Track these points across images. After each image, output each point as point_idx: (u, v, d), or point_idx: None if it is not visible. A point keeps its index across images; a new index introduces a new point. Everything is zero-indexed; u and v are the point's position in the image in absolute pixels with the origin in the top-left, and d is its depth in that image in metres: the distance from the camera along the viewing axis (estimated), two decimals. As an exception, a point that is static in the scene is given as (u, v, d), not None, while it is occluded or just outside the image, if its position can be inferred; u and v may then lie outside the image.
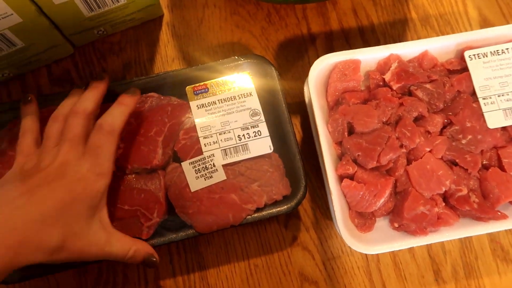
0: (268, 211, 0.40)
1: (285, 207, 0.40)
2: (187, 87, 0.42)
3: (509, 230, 0.47)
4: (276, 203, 0.40)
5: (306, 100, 0.45)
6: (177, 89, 0.43)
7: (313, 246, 0.46)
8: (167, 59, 0.51)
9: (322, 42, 0.52)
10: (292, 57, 0.51)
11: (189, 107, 0.42)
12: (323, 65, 0.42)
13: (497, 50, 0.43)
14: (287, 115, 0.42)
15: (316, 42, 0.52)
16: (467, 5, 0.54)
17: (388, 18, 0.53)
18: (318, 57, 0.43)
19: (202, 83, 0.42)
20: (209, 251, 0.46)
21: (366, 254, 0.46)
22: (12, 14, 0.40)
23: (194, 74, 0.43)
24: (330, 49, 0.52)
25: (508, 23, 0.53)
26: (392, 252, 0.46)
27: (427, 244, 0.46)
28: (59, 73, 0.51)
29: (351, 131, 0.42)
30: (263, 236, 0.47)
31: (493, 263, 0.46)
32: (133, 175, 0.40)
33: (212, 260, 0.46)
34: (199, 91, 0.42)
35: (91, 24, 0.48)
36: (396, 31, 0.52)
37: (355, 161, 0.41)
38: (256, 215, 0.40)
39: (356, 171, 0.40)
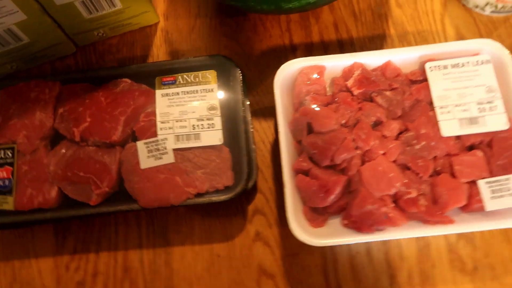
0: (207, 198, 0.44)
1: (224, 196, 0.44)
2: (157, 77, 0.47)
3: (470, 242, 0.47)
4: (217, 192, 0.44)
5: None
6: (151, 79, 0.48)
7: (274, 242, 0.48)
8: (158, 59, 0.56)
9: (302, 53, 0.55)
10: (273, 65, 0.55)
11: (155, 95, 0.46)
12: (290, 68, 0.45)
13: (457, 63, 0.45)
14: (242, 113, 0.45)
15: (296, 52, 0.55)
16: (445, 24, 0.56)
17: (368, 33, 0.56)
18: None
19: (171, 76, 0.47)
20: (177, 239, 0.49)
21: (325, 253, 0.48)
22: (17, 11, 0.46)
23: (167, 68, 0.48)
24: (309, 59, 0.55)
25: (485, 43, 0.55)
26: (350, 254, 0.47)
27: (385, 249, 0.47)
28: (61, 70, 0.56)
29: (310, 131, 0.44)
30: (228, 229, 0.49)
31: (450, 273, 0.46)
32: (94, 147, 0.45)
33: (178, 248, 0.49)
34: (167, 82, 0.46)
35: (91, 26, 0.54)
36: (374, 46, 0.55)
37: (311, 159, 0.43)
38: (196, 199, 0.43)
39: (311, 168, 0.43)
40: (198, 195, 0.44)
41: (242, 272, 0.48)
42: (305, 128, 0.43)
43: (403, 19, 0.56)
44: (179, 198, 0.44)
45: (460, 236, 0.48)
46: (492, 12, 0.55)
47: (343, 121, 0.44)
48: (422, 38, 0.55)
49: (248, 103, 0.51)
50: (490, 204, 0.41)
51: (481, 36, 0.55)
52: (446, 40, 0.55)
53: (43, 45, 0.53)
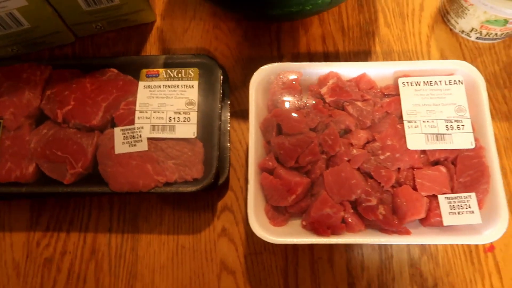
0: (175, 188, 0.45)
1: (191, 188, 0.45)
2: (142, 70, 0.49)
3: (432, 259, 0.47)
4: (186, 183, 0.45)
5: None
6: (138, 71, 0.50)
7: (239, 239, 0.49)
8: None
9: (288, 61, 0.57)
10: (258, 70, 0.57)
11: (138, 85, 0.48)
12: (268, 71, 0.47)
13: (430, 81, 0.46)
14: (218, 111, 0.47)
15: (282, 60, 0.57)
16: (430, 46, 0.57)
17: (354, 48, 0.57)
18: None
19: (156, 69, 0.49)
20: (145, 227, 0.50)
21: (287, 255, 0.48)
22: (19, -4, 0.49)
23: (154, 62, 0.50)
24: (294, 68, 0.56)
25: (468, 67, 0.56)
26: (312, 258, 0.48)
27: (347, 257, 0.48)
28: (59, 57, 0.59)
29: (280, 132, 0.45)
30: (196, 222, 0.50)
31: (409, 287, 0.47)
32: (75, 130, 0.47)
33: (145, 236, 0.50)
34: (151, 75, 0.49)
35: (89, 18, 0.56)
36: (358, 60, 0.57)
37: (277, 159, 0.44)
38: (164, 188, 0.45)
39: (276, 168, 0.44)
40: (167, 184, 0.46)
41: (204, 265, 0.48)
42: (274, 129, 0.45)
43: (390, 38, 0.58)
44: (148, 185, 0.45)
45: (423, 252, 0.48)
46: (478, 38, 0.56)
47: (313, 126, 0.45)
48: (406, 57, 0.57)
49: (229, 102, 0.53)
50: (447, 219, 0.42)
51: (465, 60, 0.56)
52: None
53: (43, 32, 0.56)
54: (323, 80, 0.47)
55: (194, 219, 0.50)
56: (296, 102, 0.46)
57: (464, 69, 0.46)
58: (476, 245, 0.48)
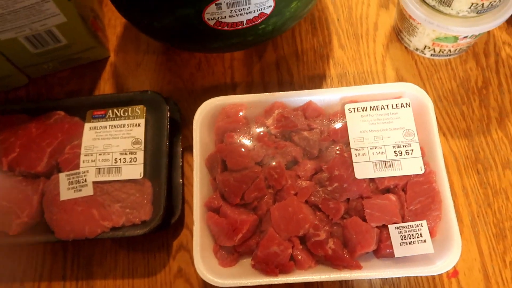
0: (122, 232, 0.44)
1: (139, 231, 0.44)
2: (89, 111, 0.48)
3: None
4: (133, 226, 0.44)
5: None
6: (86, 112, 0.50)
7: (195, 279, 0.48)
8: (104, 92, 0.57)
9: (242, 90, 0.56)
10: (212, 101, 0.56)
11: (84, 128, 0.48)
12: (211, 106, 0.46)
13: (376, 106, 0.45)
14: (166, 148, 0.46)
15: (236, 89, 0.56)
16: (386, 65, 0.56)
17: (308, 72, 0.57)
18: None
19: (102, 110, 0.48)
20: (99, 272, 0.49)
21: (245, 294, 0.47)
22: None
23: (101, 102, 0.50)
24: (248, 96, 0.55)
25: (425, 85, 0.55)
26: (271, 295, 0.46)
27: (306, 292, 0.46)
28: (13, 100, 0.58)
29: (226, 168, 0.44)
30: (151, 264, 0.49)
31: (372, 320, 0.45)
32: (21, 177, 0.46)
33: (100, 281, 0.49)
34: (97, 116, 0.48)
35: (40, 60, 0.56)
36: (313, 85, 0.56)
37: (223, 197, 0.43)
38: (111, 233, 0.43)
39: (221, 206, 0.42)
40: (114, 228, 0.44)
41: (160, 309, 0.47)
42: (219, 165, 0.44)
43: (344, 60, 0.57)
44: (94, 231, 0.44)
45: (385, 282, 0.46)
46: (432, 55, 0.55)
47: (258, 160, 0.44)
48: (361, 79, 0.56)
49: (180, 137, 0.52)
50: (399, 250, 0.40)
51: (421, 78, 0.55)
52: (385, 81, 0.55)
53: (-7, 77, 0.55)
54: (268, 111, 0.46)
55: (149, 261, 0.49)
56: (241, 136, 0.45)
57: (411, 91, 0.45)
58: (439, 272, 0.46)
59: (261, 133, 0.45)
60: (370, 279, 0.46)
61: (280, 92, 0.46)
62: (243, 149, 0.44)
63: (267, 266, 0.40)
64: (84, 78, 0.59)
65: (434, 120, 0.44)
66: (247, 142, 0.45)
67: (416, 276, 0.46)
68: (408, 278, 0.46)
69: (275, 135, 0.45)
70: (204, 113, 0.46)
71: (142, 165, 0.46)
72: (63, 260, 0.50)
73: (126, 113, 0.48)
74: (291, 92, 0.46)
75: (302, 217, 0.41)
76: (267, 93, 0.46)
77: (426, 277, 0.46)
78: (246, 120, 0.46)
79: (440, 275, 0.46)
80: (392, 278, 0.46)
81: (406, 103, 0.45)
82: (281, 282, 0.40)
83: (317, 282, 0.46)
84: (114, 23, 0.62)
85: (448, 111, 0.53)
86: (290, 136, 0.45)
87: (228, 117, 0.45)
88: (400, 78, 0.55)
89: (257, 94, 0.47)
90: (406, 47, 0.57)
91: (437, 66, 0.56)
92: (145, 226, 0.44)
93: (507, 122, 0.53)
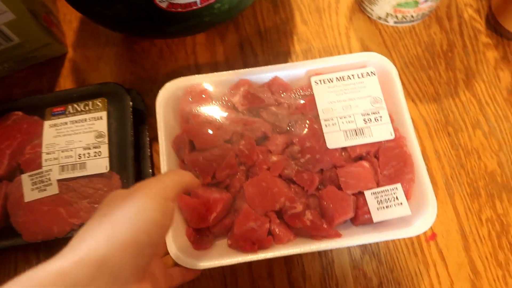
0: None
1: None
2: (47, 108, 0.46)
3: (374, 257, 0.46)
4: None
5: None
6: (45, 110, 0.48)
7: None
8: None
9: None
10: (178, 88, 0.54)
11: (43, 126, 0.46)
12: (174, 88, 0.45)
13: (342, 76, 0.44)
14: (130, 139, 0.44)
15: (201, 73, 0.55)
16: (350, 37, 0.56)
17: (273, 51, 0.56)
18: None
19: (62, 106, 0.46)
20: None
21: (225, 278, 0.46)
22: None
23: (60, 98, 0.48)
24: (214, 80, 0.54)
25: (390, 53, 0.55)
26: (252, 276, 0.46)
27: (287, 269, 0.46)
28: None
29: (194, 149, 0.43)
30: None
31: (354, 291, 0.45)
32: None
33: (78, 280, 0.47)
34: (57, 113, 0.46)
35: (-6, 61, 0.54)
36: (278, 62, 0.54)
37: (193, 178, 0.42)
38: None
39: None
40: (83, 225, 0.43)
41: (141, 302, 0.46)
42: (187, 146, 0.43)
43: (308, 35, 0.56)
44: (63, 230, 0.43)
45: (365, 251, 0.46)
46: (396, 22, 0.55)
47: (227, 138, 0.43)
48: (327, 53, 0.55)
49: (147, 127, 0.50)
50: (377, 215, 0.40)
51: (386, 47, 0.55)
52: (351, 52, 0.55)
53: None
54: (234, 89, 0.45)
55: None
56: (208, 115, 0.44)
57: (375, 60, 0.45)
58: (417, 236, 0.46)
59: (228, 111, 0.44)
60: (350, 249, 0.46)
61: (245, 69, 0.45)
62: (210, 130, 0.43)
63: (245, 243, 0.39)
64: (43, 77, 0.57)
65: (400, 86, 0.44)
66: (214, 121, 0.44)
67: (395, 243, 0.46)
68: (387, 245, 0.46)
69: (242, 112, 0.44)
70: (167, 95, 0.44)
71: (108, 159, 0.44)
72: (36, 263, 0.48)
73: (87, 107, 0.47)
74: (256, 68, 0.46)
75: (277, 191, 0.40)
76: (231, 71, 0.45)
77: (405, 242, 0.46)
78: (211, 99, 0.45)
79: (419, 239, 0.46)
80: (371, 246, 0.46)
81: (371, 72, 0.44)
82: (260, 258, 0.39)
83: (297, 256, 0.46)
84: (69, 18, 0.60)
85: (415, 77, 0.53)
86: (258, 112, 0.44)
87: (193, 98, 0.44)
88: (365, 49, 0.55)
89: (221, 72, 0.46)
90: (369, 17, 0.56)
91: (401, 33, 0.56)
92: (117, 219, 0.43)
93: (474, 82, 0.53)
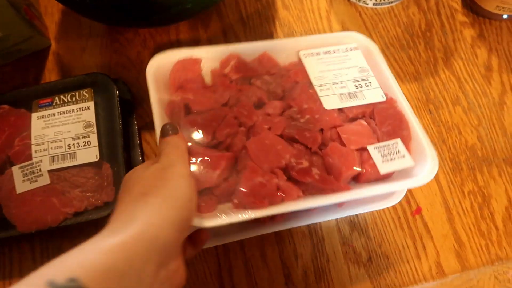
0: (87, 216, 0.43)
1: (103, 213, 0.43)
2: (34, 101, 0.46)
3: (363, 233, 0.47)
4: (97, 209, 0.43)
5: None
6: (31, 103, 0.48)
7: (168, 253, 0.48)
8: (50, 84, 0.56)
9: (192, 62, 0.55)
10: (163, 77, 0.55)
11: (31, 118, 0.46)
12: (165, 59, 0.44)
13: (328, 51, 0.46)
14: (119, 128, 0.45)
15: (186, 62, 0.55)
16: (331, 20, 0.57)
17: (256, 37, 0.56)
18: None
19: (48, 98, 0.46)
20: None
21: (219, 260, 0.47)
22: None
23: (46, 90, 0.48)
24: (199, 67, 0.55)
25: (371, 35, 0.56)
26: (245, 257, 0.47)
27: (279, 249, 0.47)
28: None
29: (189, 113, 0.43)
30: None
31: (345, 266, 0.46)
32: None
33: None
34: (44, 104, 0.46)
35: (-23, 56, 0.53)
36: (262, 48, 0.55)
37: (191, 140, 0.41)
38: (75, 218, 0.43)
39: (191, 148, 0.39)
40: (77, 214, 0.44)
41: (137, 287, 0.47)
42: (182, 110, 0.42)
43: (290, 20, 0.57)
44: (57, 219, 0.43)
45: (353, 228, 0.48)
46: (375, 4, 0.56)
47: (224, 102, 0.43)
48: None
49: (135, 116, 0.51)
50: (383, 167, 0.40)
51: (367, 28, 0.56)
52: (332, 35, 0.56)
53: None
54: (224, 63, 0.45)
55: (120, 242, 0.48)
56: (202, 82, 0.44)
57: (356, 38, 0.46)
58: (404, 211, 0.48)
59: (222, 79, 0.44)
60: (339, 227, 0.48)
61: (235, 44, 0.46)
62: (206, 94, 0.42)
63: (254, 198, 0.38)
64: (28, 71, 0.57)
65: (382, 58, 0.45)
66: (209, 87, 0.44)
67: (382, 219, 0.48)
68: (375, 221, 0.48)
69: (236, 81, 0.44)
70: (156, 66, 0.43)
71: (97, 148, 0.45)
72: (31, 254, 0.48)
73: (74, 98, 0.47)
74: (246, 43, 0.46)
75: (281, 148, 0.40)
76: (221, 45, 0.46)
77: (392, 217, 0.48)
78: (202, 70, 0.45)
79: (405, 213, 0.48)
80: (359, 223, 0.48)
81: (354, 47, 0.46)
82: (274, 213, 0.37)
83: (288, 235, 0.47)
84: (51, 11, 0.59)
85: (396, 57, 0.55)
86: (251, 82, 0.45)
87: (184, 67, 0.44)
88: (346, 30, 0.56)
89: (210, 45, 0.46)
90: (349, 0, 0.57)
91: (381, 15, 0.57)
92: (109, 207, 0.44)
93: (453, 61, 0.54)
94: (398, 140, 0.41)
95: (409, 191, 0.49)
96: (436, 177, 0.49)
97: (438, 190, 0.49)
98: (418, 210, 0.48)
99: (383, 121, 0.43)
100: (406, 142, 0.42)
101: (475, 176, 0.50)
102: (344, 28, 0.56)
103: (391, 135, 0.42)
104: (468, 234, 0.47)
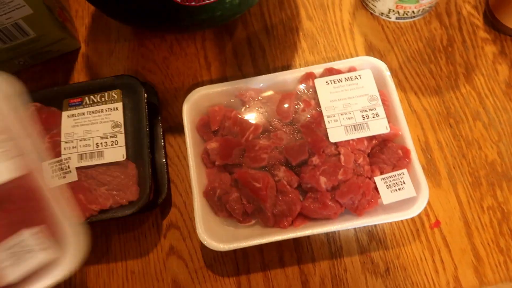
0: (112, 214, 0.44)
1: (128, 211, 0.44)
2: (65, 100, 0.48)
3: (381, 243, 0.48)
4: (121, 207, 0.44)
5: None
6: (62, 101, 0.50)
7: (187, 255, 0.48)
8: (78, 85, 0.57)
9: (216, 69, 0.57)
10: (188, 82, 0.56)
11: (61, 116, 0.48)
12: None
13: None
14: (146, 130, 0.46)
15: (211, 68, 0.57)
16: (354, 32, 0.58)
17: (279, 46, 0.57)
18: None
19: (78, 97, 0.48)
20: (92, 257, 0.49)
21: (237, 264, 0.48)
22: None
23: (76, 90, 0.50)
24: (223, 74, 0.56)
25: (393, 48, 0.56)
26: (263, 262, 0.47)
27: (297, 256, 0.48)
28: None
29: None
30: (143, 244, 0.49)
31: (362, 276, 0.46)
32: None
33: (93, 266, 0.49)
34: (74, 104, 0.48)
35: (10, 55, 0.55)
36: (285, 57, 0.57)
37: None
38: (100, 215, 0.43)
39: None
40: (102, 211, 0.45)
41: (156, 287, 0.47)
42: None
43: (314, 31, 0.58)
44: (82, 215, 0.44)
45: (372, 238, 0.48)
46: (398, 18, 0.57)
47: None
48: (332, 47, 0.57)
49: (160, 119, 0.52)
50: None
51: (389, 41, 0.57)
52: (355, 47, 0.57)
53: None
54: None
55: (141, 242, 0.49)
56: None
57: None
58: (422, 223, 0.48)
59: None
60: (357, 237, 0.48)
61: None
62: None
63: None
64: (57, 71, 0.58)
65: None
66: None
67: (401, 230, 0.48)
68: (393, 232, 0.48)
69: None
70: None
71: (124, 147, 0.46)
72: (53, 251, 0.50)
73: (103, 99, 0.48)
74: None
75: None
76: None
77: (411, 230, 0.48)
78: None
79: (423, 226, 0.48)
80: (378, 234, 0.48)
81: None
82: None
83: (306, 242, 0.48)
84: (81, 14, 0.61)
85: (417, 71, 0.55)
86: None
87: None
88: (368, 44, 0.57)
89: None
90: (371, 13, 0.58)
91: (403, 29, 0.58)
92: (133, 206, 0.45)
93: (474, 76, 0.55)
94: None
95: (428, 203, 0.49)
96: (456, 191, 0.50)
97: (457, 204, 0.49)
98: (437, 223, 0.48)
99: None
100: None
101: (494, 191, 0.50)
102: (367, 41, 0.57)
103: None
104: (487, 249, 0.47)
